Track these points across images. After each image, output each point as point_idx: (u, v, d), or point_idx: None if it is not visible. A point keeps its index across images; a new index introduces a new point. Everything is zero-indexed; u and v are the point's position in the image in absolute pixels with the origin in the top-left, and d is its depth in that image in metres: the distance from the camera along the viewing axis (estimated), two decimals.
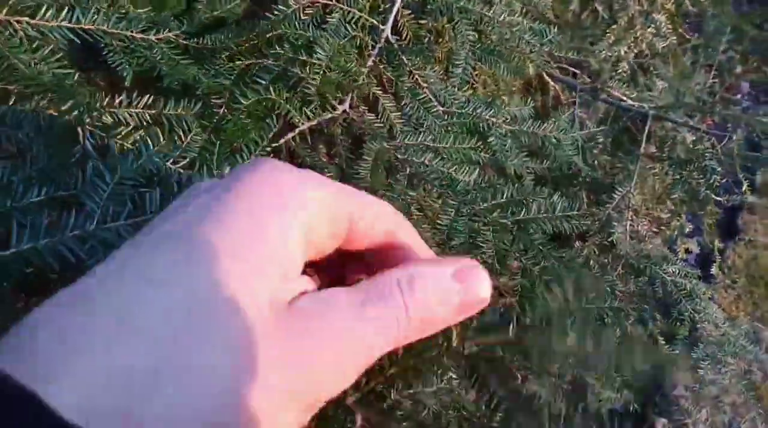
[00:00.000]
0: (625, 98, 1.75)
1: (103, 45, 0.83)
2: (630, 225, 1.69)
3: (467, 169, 1.15)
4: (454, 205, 1.07)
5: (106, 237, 0.66)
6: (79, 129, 0.73)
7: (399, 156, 1.16)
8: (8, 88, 0.70)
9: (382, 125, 1.25)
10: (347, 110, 1.21)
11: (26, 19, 0.74)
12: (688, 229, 1.84)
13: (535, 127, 1.35)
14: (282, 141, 1.13)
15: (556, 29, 1.39)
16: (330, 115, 1.18)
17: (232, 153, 0.93)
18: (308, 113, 1.16)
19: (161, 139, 0.78)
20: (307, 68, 1.14)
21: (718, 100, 2.14)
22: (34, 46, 0.73)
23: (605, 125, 1.72)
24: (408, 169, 1.14)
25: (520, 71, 1.40)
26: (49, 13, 0.76)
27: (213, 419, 0.29)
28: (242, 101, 1.08)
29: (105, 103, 0.78)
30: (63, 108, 0.68)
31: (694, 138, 1.67)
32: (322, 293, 0.36)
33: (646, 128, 1.69)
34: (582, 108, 1.76)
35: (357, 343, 0.36)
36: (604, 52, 1.73)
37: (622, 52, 1.74)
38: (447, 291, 0.39)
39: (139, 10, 0.87)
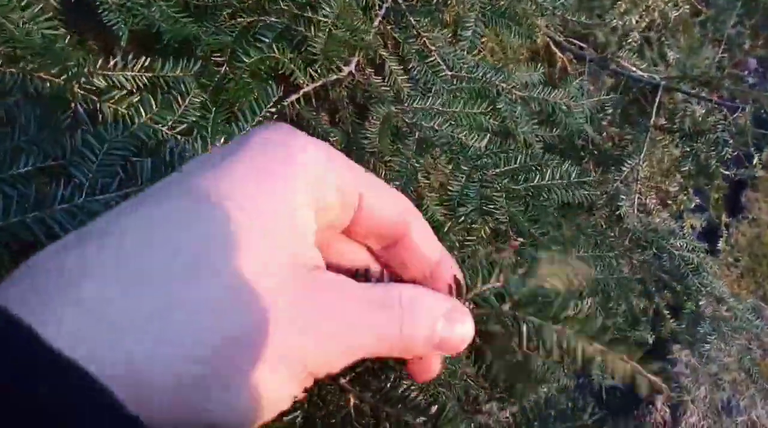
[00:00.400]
0: (635, 69, 1.70)
1: (98, 3, 0.77)
2: (638, 198, 1.65)
3: (478, 134, 1.10)
4: (465, 171, 1.02)
5: (96, 210, 0.61)
6: (70, 94, 0.68)
7: (407, 120, 1.11)
8: None
9: (388, 88, 1.20)
10: (353, 72, 1.16)
11: None
12: (694, 204, 1.81)
13: (545, 93, 1.30)
14: (286, 102, 1.08)
15: None
16: (335, 77, 1.13)
17: (230, 119, 0.88)
18: (313, 74, 1.11)
19: (154, 105, 0.73)
20: (312, 26, 1.08)
21: (726, 75, 2.09)
22: (23, 3, 0.68)
23: (615, 92, 1.67)
24: (417, 134, 1.09)
25: (531, 36, 1.35)
26: None
27: (195, 352, 0.28)
28: (244, 59, 1.02)
29: (98, 66, 0.72)
30: (53, 71, 0.62)
31: (704, 110, 1.63)
32: (340, 276, 0.36)
33: (657, 99, 1.64)
34: (590, 78, 1.71)
35: (360, 336, 0.35)
36: (614, 20, 1.67)
37: (633, 21, 1.68)
38: (435, 324, 0.38)
39: None
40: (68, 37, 0.75)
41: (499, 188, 0.98)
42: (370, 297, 0.36)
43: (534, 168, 1.01)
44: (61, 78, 0.70)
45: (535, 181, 1.00)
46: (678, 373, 2.18)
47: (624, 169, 1.62)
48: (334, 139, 1.12)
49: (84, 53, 0.75)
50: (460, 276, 0.42)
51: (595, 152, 1.66)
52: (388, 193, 0.40)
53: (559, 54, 1.89)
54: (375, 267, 0.43)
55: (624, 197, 1.64)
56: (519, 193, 0.98)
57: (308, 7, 1.03)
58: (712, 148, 1.55)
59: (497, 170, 1.02)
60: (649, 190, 1.62)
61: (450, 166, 1.03)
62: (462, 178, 1.02)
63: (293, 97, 1.09)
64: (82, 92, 0.72)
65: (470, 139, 1.10)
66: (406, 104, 1.13)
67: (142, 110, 0.70)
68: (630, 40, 1.70)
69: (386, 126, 1.08)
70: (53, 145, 0.65)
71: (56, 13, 0.84)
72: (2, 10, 0.70)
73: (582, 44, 1.86)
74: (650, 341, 1.68)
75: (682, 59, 1.65)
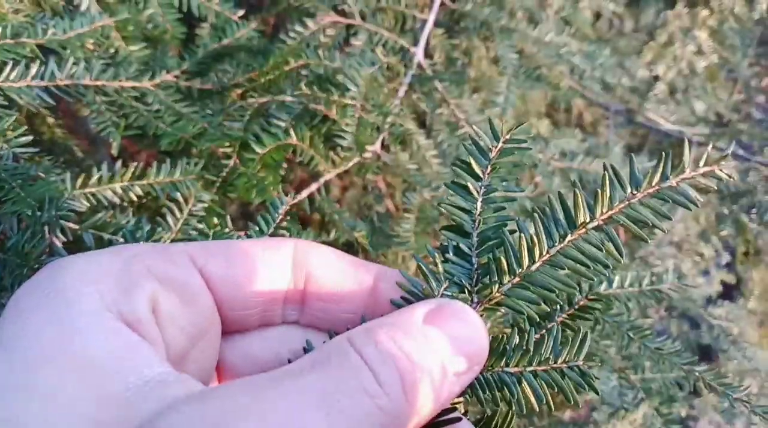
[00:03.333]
0: (662, 121, 1.54)
1: (84, 104, 0.59)
2: (674, 262, 1.49)
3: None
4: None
5: None
6: (46, 229, 0.49)
7: (443, 209, 0.93)
8: None
9: (417, 168, 1.02)
10: (378, 152, 0.98)
11: None
12: (725, 261, 1.65)
13: (586, 163, 1.14)
14: (304, 195, 0.90)
15: (608, 52, 1.17)
16: (359, 160, 0.95)
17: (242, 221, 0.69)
18: (334, 159, 0.93)
19: (137, 225, 0.55)
20: (333, 106, 0.91)
21: (744, 117, 1.95)
22: None
23: (640, 151, 1.52)
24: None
25: (567, 98, 1.19)
26: (15, 72, 0.52)
27: None
28: (257, 149, 0.84)
29: (79, 185, 0.54)
30: (26, 211, 0.45)
31: (742, 168, 1.47)
32: (235, 381, 0.28)
33: (690, 156, 1.48)
34: (615, 130, 1.55)
35: None
36: (640, 71, 1.52)
37: (660, 72, 1.53)
38: (422, 336, 0.31)
39: (131, 47, 0.63)
40: (43, 161, 0.56)
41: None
42: (302, 366, 0.28)
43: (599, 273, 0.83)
44: (37, 218, 0.51)
45: (602, 290, 0.83)
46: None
47: (657, 231, 1.45)
48: (359, 232, 0.93)
49: (62, 177, 0.57)
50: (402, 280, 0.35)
51: None
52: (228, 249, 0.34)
53: (577, 103, 1.74)
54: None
55: (659, 262, 1.47)
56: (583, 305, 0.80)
57: (332, 88, 0.85)
58: (753, 210, 1.40)
59: None
60: (684, 253, 1.46)
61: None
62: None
63: (314, 187, 0.91)
64: (62, 222, 0.54)
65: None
66: (440, 190, 0.95)
67: (121, 240, 0.53)
68: (656, 90, 1.55)
69: (421, 219, 0.90)
70: None
71: (41, 111, 0.66)
72: None
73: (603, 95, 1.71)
74: (683, 414, 1.52)
75: (710, 109, 1.50)
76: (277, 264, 0.35)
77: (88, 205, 0.54)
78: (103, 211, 0.54)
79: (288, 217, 0.67)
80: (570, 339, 0.34)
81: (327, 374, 0.28)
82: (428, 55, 1.13)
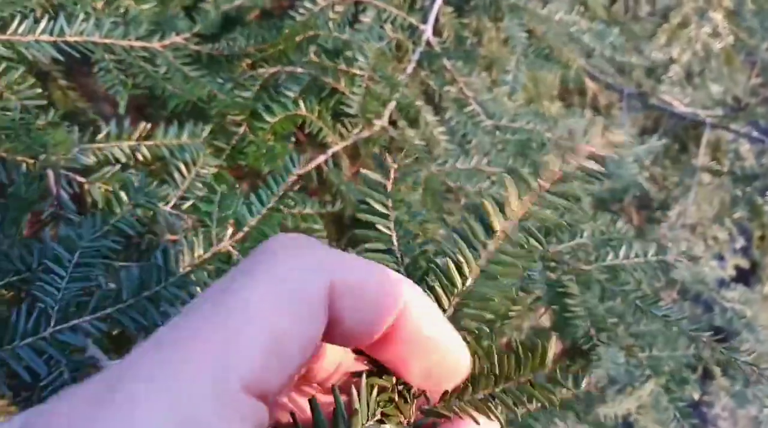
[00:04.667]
0: (677, 104, 1.52)
1: (93, 61, 0.60)
2: (687, 245, 1.47)
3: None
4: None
5: (67, 342, 0.45)
6: (52, 176, 0.50)
7: (450, 183, 0.93)
8: None
9: (425, 144, 1.02)
10: (385, 126, 0.98)
11: None
12: (740, 245, 1.63)
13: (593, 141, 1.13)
14: (311, 166, 0.90)
15: (618, 30, 1.16)
16: (367, 133, 0.95)
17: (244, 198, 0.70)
18: (342, 131, 0.93)
19: (142, 185, 0.55)
20: (342, 79, 0.91)
21: (760, 101, 1.92)
22: (1, 68, 0.51)
23: (654, 133, 1.50)
24: (462, 199, 0.92)
25: (577, 79, 1.18)
26: (23, 26, 0.53)
27: None
28: (267, 118, 0.84)
29: (86, 139, 0.55)
30: (28, 154, 0.46)
31: (756, 150, 1.45)
32: None
33: (704, 138, 1.46)
34: (629, 114, 1.53)
35: None
36: (654, 53, 1.49)
37: (675, 54, 1.50)
38: None
39: (142, 6, 0.64)
40: (54, 111, 0.57)
41: (566, 270, 0.80)
42: None
43: (607, 243, 0.83)
44: (39, 162, 0.52)
45: (608, 260, 0.82)
46: (716, 416, 2.00)
47: (670, 213, 1.44)
48: None
49: (69, 127, 0.58)
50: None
51: (637, 194, 1.48)
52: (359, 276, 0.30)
53: (590, 85, 1.72)
54: None
55: (671, 244, 1.46)
56: (590, 276, 0.80)
57: (341, 58, 0.85)
58: None
59: (561, 246, 0.84)
60: (697, 236, 1.44)
61: None
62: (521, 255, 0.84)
63: (321, 159, 0.91)
64: (66, 173, 0.55)
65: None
66: (447, 164, 0.95)
67: (124, 196, 0.53)
68: (671, 73, 1.52)
69: (429, 192, 0.90)
70: (15, 258, 0.49)
71: (51, 74, 0.67)
72: None
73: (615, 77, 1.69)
74: (696, 398, 1.50)
75: (728, 93, 1.47)
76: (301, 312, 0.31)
77: (96, 160, 0.54)
78: (110, 166, 0.55)
79: (300, 181, 0.67)
80: (531, 353, 0.33)
81: None
82: (437, 33, 1.12)
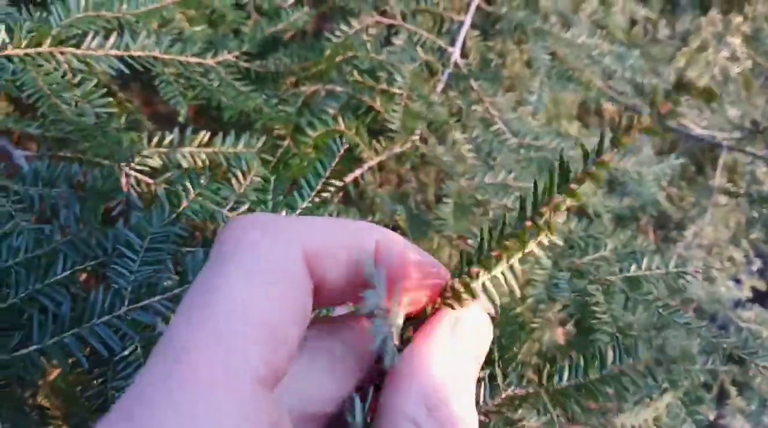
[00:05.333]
0: (694, 126, 1.55)
1: (154, 75, 0.64)
2: (703, 265, 1.49)
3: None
4: (550, 257, 0.87)
5: (141, 320, 0.49)
6: (123, 177, 0.54)
7: (479, 197, 0.97)
8: (46, 133, 0.53)
9: (453, 160, 1.06)
10: (417, 144, 1.02)
11: (71, 50, 0.57)
12: (756, 267, 1.64)
13: (616, 160, 1.16)
14: (350, 178, 0.94)
15: (638, 53, 1.20)
16: (400, 149, 0.99)
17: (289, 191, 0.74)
18: (377, 147, 0.97)
19: (205, 181, 0.60)
20: (378, 98, 0.95)
21: None
22: (76, 80, 0.55)
23: (671, 154, 1.52)
24: (490, 213, 0.95)
25: (597, 100, 1.21)
26: (95, 41, 0.58)
27: None
28: (309, 133, 0.89)
29: (153, 144, 0.59)
30: (104, 154, 0.50)
31: None
32: None
33: (720, 160, 1.49)
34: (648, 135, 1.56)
35: None
36: (672, 76, 1.53)
37: (693, 77, 1.54)
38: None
39: (195, 28, 0.68)
40: (123, 116, 0.62)
41: (593, 280, 0.83)
42: None
43: (631, 255, 0.86)
44: (113, 160, 0.57)
45: (631, 271, 0.85)
46: None
47: (686, 233, 1.46)
48: (399, 215, 0.97)
49: (137, 133, 0.62)
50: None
51: (654, 214, 1.51)
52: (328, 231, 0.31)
53: (608, 107, 1.75)
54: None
55: (687, 264, 1.47)
56: (614, 287, 0.83)
57: (381, 78, 0.90)
58: None
59: (587, 258, 0.87)
60: (713, 257, 1.46)
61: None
62: (548, 265, 0.87)
63: (358, 172, 0.95)
64: (135, 174, 0.59)
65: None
66: (475, 179, 0.99)
67: (190, 186, 0.57)
68: (689, 96, 1.56)
69: (459, 205, 0.94)
70: (93, 244, 0.53)
71: (111, 88, 0.72)
72: (56, 89, 0.57)
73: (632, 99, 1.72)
74: (711, 418, 1.51)
75: (745, 117, 1.50)
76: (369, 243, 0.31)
77: (161, 163, 0.59)
78: (175, 170, 0.59)
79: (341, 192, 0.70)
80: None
81: None
82: (464, 55, 1.17)
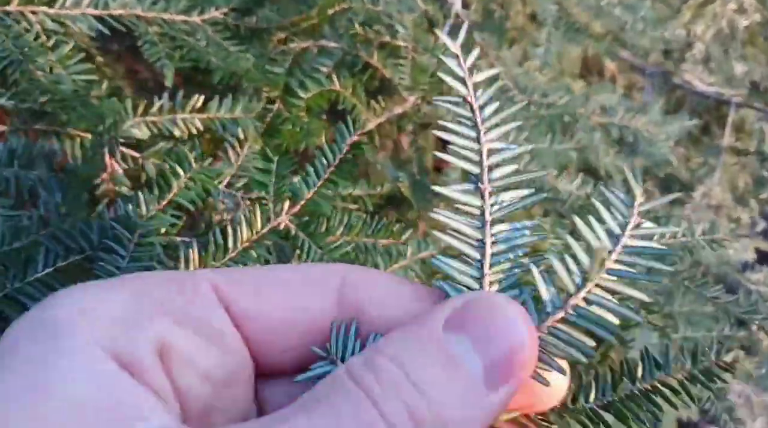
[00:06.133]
0: (700, 83, 1.52)
1: (137, 35, 0.59)
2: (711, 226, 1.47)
3: (567, 175, 0.92)
4: (567, 226, 0.84)
5: None
6: (107, 154, 0.49)
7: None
8: (20, 105, 0.47)
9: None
10: (418, 103, 0.97)
11: (43, 8, 0.51)
12: (761, 228, 1.63)
13: (627, 119, 1.12)
14: (348, 142, 0.89)
15: (649, 3, 1.15)
16: (401, 109, 0.94)
17: (296, 170, 0.69)
18: (376, 108, 0.92)
19: (195, 158, 0.55)
20: (376, 53, 0.90)
21: None
22: (51, 43, 0.50)
23: (679, 112, 1.49)
24: None
25: (609, 54, 1.17)
26: (69, 0, 0.52)
27: None
28: (300, 94, 0.83)
29: (140, 112, 0.54)
30: (86, 127, 0.45)
31: None
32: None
33: (729, 118, 1.46)
34: (653, 93, 1.53)
35: None
36: (678, 30, 1.49)
37: (699, 31, 1.50)
38: (440, 353, 0.26)
39: None
40: (104, 82, 0.56)
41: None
42: (292, 409, 0.24)
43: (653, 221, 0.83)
44: (96, 133, 0.51)
45: (654, 239, 0.82)
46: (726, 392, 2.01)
47: (694, 194, 1.44)
48: (402, 182, 0.93)
49: (122, 101, 0.57)
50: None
51: (660, 175, 1.48)
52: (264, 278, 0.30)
53: (609, 66, 1.71)
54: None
55: (696, 225, 1.46)
56: None
57: (380, 31, 0.84)
58: None
59: None
60: (721, 217, 1.45)
61: (547, 221, 0.85)
62: (565, 234, 0.83)
63: (355, 137, 0.90)
64: (121, 149, 0.54)
65: (561, 183, 0.92)
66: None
67: (179, 169, 0.52)
68: (694, 51, 1.52)
69: (465, 173, 0.90)
70: (77, 236, 0.48)
71: (90, 52, 0.66)
72: (28, 54, 0.51)
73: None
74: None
75: (751, 73, 1.47)
76: (320, 300, 0.30)
77: (149, 133, 0.53)
78: (164, 141, 0.54)
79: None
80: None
81: (319, 416, 0.24)
82: (465, 5, 1.11)
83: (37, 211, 0.51)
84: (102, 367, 0.24)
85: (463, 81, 0.32)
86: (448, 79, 0.32)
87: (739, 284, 1.45)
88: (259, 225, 0.53)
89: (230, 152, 0.59)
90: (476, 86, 0.32)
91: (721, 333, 1.18)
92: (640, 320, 0.33)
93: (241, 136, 0.63)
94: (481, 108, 0.32)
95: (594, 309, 0.29)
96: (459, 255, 0.31)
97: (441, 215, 0.32)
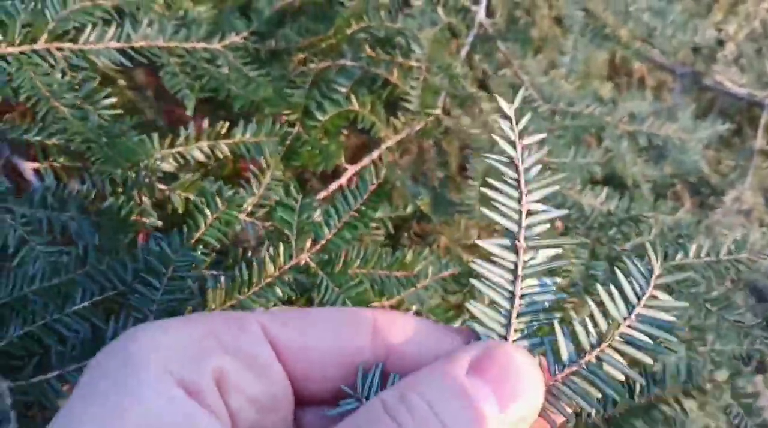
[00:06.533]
0: (732, 85, 1.49)
1: (159, 66, 0.60)
2: (742, 232, 1.45)
3: (592, 190, 0.91)
4: (587, 244, 0.83)
5: None
6: (135, 193, 0.51)
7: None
8: (46, 142, 0.49)
9: (479, 132, 1.01)
10: (440, 117, 0.97)
11: (68, 44, 0.53)
12: None
13: (656, 126, 1.11)
14: (366, 161, 0.90)
15: (679, 8, 1.13)
16: (421, 125, 0.94)
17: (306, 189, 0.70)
18: (396, 124, 0.92)
19: (222, 189, 0.56)
20: (395, 70, 0.90)
21: None
22: (76, 81, 0.51)
23: (709, 115, 1.47)
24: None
25: (637, 58, 1.15)
26: (94, 34, 0.53)
27: None
28: (318, 117, 0.84)
29: (166, 145, 0.55)
30: (117, 169, 0.46)
31: None
32: None
33: (762, 119, 1.43)
34: (682, 95, 1.50)
35: None
36: (709, 30, 1.45)
37: (731, 31, 1.47)
38: (463, 396, 0.30)
39: (199, 8, 0.63)
40: (129, 118, 0.58)
41: None
42: None
43: (677, 240, 0.82)
44: (130, 173, 0.53)
45: (677, 259, 0.81)
46: (761, 407, 1.99)
47: (725, 199, 1.42)
48: (422, 200, 0.93)
49: (148, 135, 0.58)
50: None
51: (689, 179, 1.46)
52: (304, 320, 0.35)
53: (638, 66, 1.68)
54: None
55: (726, 231, 1.44)
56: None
57: (396, 50, 0.84)
58: None
59: (628, 244, 0.83)
60: (752, 222, 1.42)
61: (569, 238, 0.84)
62: (584, 253, 0.83)
63: (375, 154, 0.91)
64: (149, 183, 0.56)
65: (585, 198, 0.92)
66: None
67: (207, 211, 0.54)
68: (726, 51, 1.49)
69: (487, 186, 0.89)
70: (112, 277, 0.50)
71: (118, 84, 0.68)
72: (55, 90, 0.53)
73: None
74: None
75: None
76: (355, 337, 0.34)
77: (176, 165, 0.55)
78: (190, 174, 0.55)
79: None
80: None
81: None
82: (490, 14, 1.10)
83: (75, 249, 0.53)
84: (173, 394, 0.29)
85: (513, 144, 0.35)
86: (500, 140, 0.35)
87: None
88: (282, 261, 0.54)
89: (252, 181, 0.60)
90: (524, 149, 0.35)
91: (752, 347, 1.16)
92: (642, 381, 0.37)
93: (263, 164, 0.64)
94: (527, 170, 0.35)
95: (605, 367, 0.33)
96: (490, 303, 0.35)
97: (478, 266, 0.36)
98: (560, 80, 1.09)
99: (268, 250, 0.53)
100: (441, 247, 0.97)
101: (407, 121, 0.92)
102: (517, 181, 0.35)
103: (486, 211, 0.37)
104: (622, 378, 0.33)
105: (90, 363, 0.31)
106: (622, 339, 0.33)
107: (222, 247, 0.55)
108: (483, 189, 0.37)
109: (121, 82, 0.74)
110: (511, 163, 0.35)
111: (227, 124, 0.61)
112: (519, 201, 0.35)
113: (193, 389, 0.29)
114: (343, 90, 0.87)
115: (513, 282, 0.36)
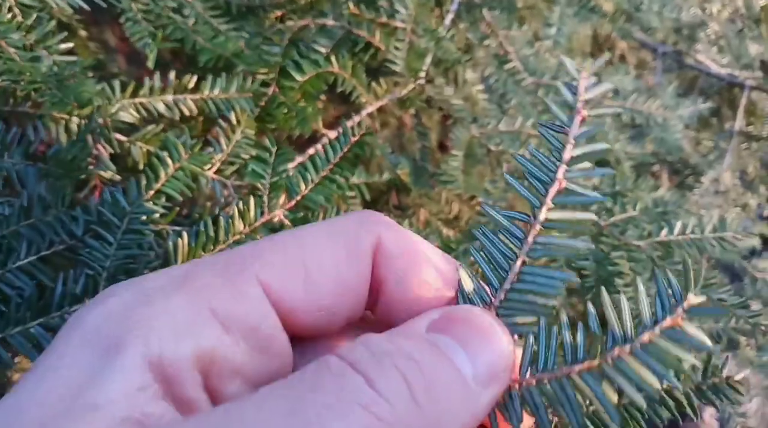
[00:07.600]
0: (714, 65, 1.45)
1: (119, 11, 0.53)
2: (719, 212, 1.42)
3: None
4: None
5: None
6: (90, 139, 0.44)
7: (492, 147, 0.87)
8: None
9: (462, 103, 0.96)
10: (422, 84, 0.91)
11: None
12: (766, 213, 1.58)
13: (639, 103, 1.06)
14: (351, 141, 0.84)
15: None
16: (403, 92, 0.88)
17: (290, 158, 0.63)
18: (377, 90, 0.86)
19: (185, 147, 0.50)
20: (377, 31, 0.83)
21: None
22: (28, 22, 0.44)
23: (689, 95, 1.43)
24: (505, 165, 0.86)
25: (624, 33, 1.10)
26: None
27: None
28: (296, 77, 0.77)
29: (128, 93, 0.49)
30: (68, 110, 0.40)
31: None
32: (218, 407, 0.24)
33: (742, 100, 1.40)
34: (664, 74, 1.46)
35: None
36: (693, 8, 1.41)
37: (714, 11, 1.43)
38: (429, 345, 0.25)
39: None
40: (85, 63, 0.51)
41: (617, 245, 0.75)
42: (271, 388, 0.23)
43: (661, 215, 0.78)
44: (81, 116, 0.46)
45: (661, 236, 0.77)
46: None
47: (703, 180, 1.39)
48: (402, 169, 0.88)
49: (108, 81, 0.51)
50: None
51: (668, 159, 1.42)
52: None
53: (619, 44, 1.64)
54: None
55: (704, 212, 1.41)
56: (641, 254, 0.75)
57: (380, 10, 0.78)
58: None
59: (612, 219, 0.78)
60: (729, 203, 1.40)
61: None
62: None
63: (356, 119, 0.85)
64: (105, 133, 0.49)
65: None
66: (489, 126, 0.89)
67: (168, 159, 0.48)
68: (708, 31, 1.45)
69: (470, 157, 0.84)
70: (59, 229, 0.44)
71: (72, 26, 0.61)
72: (2, 29, 0.46)
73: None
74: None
75: (766, 53, 1.40)
76: (360, 272, 0.30)
77: (138, 116, 0.49)
78: (152, 125, 0.49)
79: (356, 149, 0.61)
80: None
81: (297, 391, 0.23)
82: None
83: (19, 199, 0.47)
84: (141, 386, 0.24)
85: (571, 112, 0.30)
86: (553, 107, 0.31)
87: (744, 271, 1.40)
88: (252, 217, 0.49)
89: (221, 137, 0.54)
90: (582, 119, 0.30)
91: (728, 326, 1.14)
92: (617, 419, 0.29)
93: (234, 120, 0.58)
94: (575, 141, 0.30)
95: (582, 387, 0.28)
96: (482, 276, 0.31)
97: (490, 210, 0.31)
98: (545, 53, 1.04)
99: (237, 206, 0.48)
100: (421, 220, 0.92)
101: (389, 87, 0.87)
102: (560, 152, 0.30)
103: (509, 178, 0.31)
104: (594, 407, 0.29)
105: (54, 342, 0.26)
106: (613, 364, 0.27)
107: (188, 202, 0.49)
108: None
109: (83, 32, 0.67)
110: (562, 133, 0.30)
111: (195, 77, 0.55)
112: (552, 178, 0.30)
113: (169, 376, 0.25)
114: (323, 50, 0.81)
115: (512, 262, 0.30)
